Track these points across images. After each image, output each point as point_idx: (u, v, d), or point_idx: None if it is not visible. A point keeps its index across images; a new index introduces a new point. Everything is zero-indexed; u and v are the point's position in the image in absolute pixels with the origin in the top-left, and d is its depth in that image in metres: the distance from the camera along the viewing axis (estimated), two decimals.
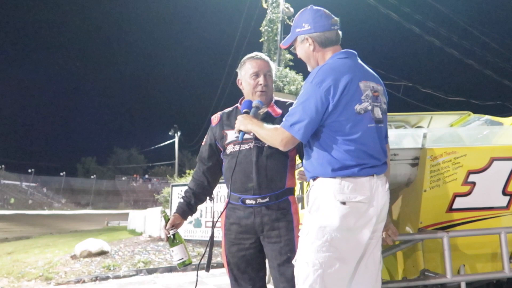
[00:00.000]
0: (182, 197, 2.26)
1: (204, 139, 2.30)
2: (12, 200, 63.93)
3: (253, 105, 2.08)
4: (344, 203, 1.72)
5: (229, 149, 2.15)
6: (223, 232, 2.17)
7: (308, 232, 1.76)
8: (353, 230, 1.74)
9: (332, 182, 1.75)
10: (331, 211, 1.72)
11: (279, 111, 2.16)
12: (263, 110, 2.16)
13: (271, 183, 2.05)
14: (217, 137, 2.22)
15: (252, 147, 2.08)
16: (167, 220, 2.18)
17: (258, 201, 2.05)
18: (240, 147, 2.08)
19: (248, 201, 2.06)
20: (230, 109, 2.31)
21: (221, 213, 2.17)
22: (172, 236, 2.14)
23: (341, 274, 1.74)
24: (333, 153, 1.77)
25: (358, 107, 1.77)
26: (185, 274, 6.38)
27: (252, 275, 2.12)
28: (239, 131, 2.02)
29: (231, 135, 2.15)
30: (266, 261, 2.15)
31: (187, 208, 2.24)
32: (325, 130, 1.79)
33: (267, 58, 2.23)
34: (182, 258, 2.14)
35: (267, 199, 2.05)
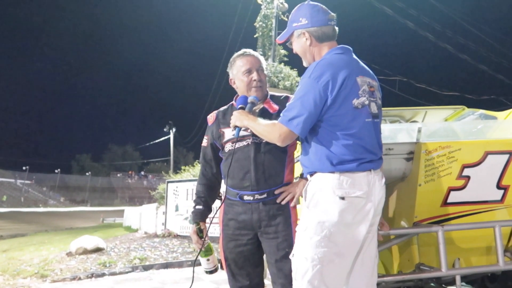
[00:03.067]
0: (198, 203, 2.25)
1: (205, 140, 2.28)
2: (4, 198, 63.44)
3: (249, 100, 2.07)
4: (343, 198, 1.72)
5: (227, 147, 2.15)
6: (221, 228, 2.17)
7: (307, 228, 1.77)
8: (351, 225, 1.75)
9: (331, 177, 1.75)
10: (330, 206, 1.73)
11: (276, 107, 2.14)
12: (259, 106, 2.15)
13: (269, 179, 2.05)
14: (215, 136, 2.22)
15: (249, 143, 2.07)
16: (200, 230, 2.18)
17: (256, 197, 2.05)
18: (237, 144, 2.07)
19: (246, 197, 2.06)
20: (225, 107, 2.30)
21: (218, 208, 2.17)
22: (207, 246, 2.18)
23: (340, 269, 1.76)
24: (331, 148, 1.77)
25: (355, 101, 1.78)
26: (181, 270, 6.38)
27: (249, 270, 2.13)
28: (235, 127, 2.01)
29: (228, 133, 2.14)
30: (264, 256, 2.15)
31: (208, 212, 2.26)
32: (323, 125, 1.79)
33: (256, 54, 2.22)
34: (216, 265, 2.20)
35: (265, 195, 2.05)
